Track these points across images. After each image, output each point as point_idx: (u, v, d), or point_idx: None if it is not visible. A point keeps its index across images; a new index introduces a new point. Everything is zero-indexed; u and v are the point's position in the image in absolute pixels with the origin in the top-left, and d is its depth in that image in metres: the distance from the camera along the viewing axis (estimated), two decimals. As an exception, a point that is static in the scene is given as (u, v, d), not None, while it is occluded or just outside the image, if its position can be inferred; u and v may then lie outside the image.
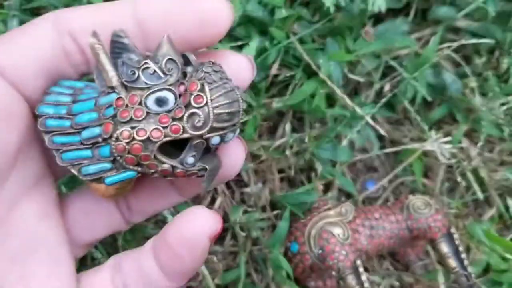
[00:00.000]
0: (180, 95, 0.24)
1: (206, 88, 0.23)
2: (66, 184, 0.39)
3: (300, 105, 0.46)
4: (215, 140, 0.24)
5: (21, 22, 0.42)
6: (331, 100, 0.50)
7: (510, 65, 0.52)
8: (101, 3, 0.26)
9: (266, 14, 0.47)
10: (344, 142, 0.45)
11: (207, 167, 0.24)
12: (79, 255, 0.29)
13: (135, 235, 0.42)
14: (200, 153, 0.24)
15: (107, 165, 0.25)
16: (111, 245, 0.42)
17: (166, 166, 0.24)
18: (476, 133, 0.53)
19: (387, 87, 0.47)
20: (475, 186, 0.49)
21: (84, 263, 0.41)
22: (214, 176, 0.26)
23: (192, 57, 0.25)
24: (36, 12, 0.45)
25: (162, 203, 0.30)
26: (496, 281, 0.48)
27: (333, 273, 0.42)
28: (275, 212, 0.47)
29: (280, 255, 0.42)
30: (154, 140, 0.23)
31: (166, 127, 0.23)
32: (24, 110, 0.25)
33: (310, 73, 0.48)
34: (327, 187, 0.50)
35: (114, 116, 0.24)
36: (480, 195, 0.49)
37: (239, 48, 0.46)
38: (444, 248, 0.45)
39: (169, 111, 0.23)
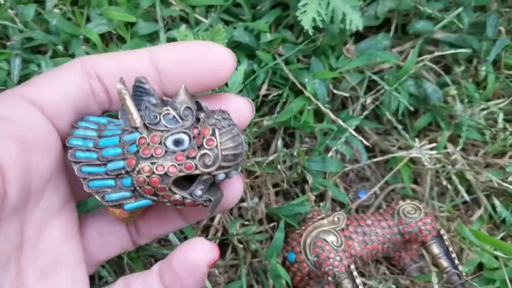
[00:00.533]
0: (193, 137, 0.28)
1: (217, 133, 0.27)
2: (79, 206, 0.42)
3: (289, 121, 0.49)
4: (221, 176, 0.28)
5: (24, 61, 0.45)
6: (319, 115, 0.52)
7: (487, 73, 0.55)
8: (121, 51, 0.31)
9: (253, 39, 0.50)
10: (331, 154, 0.48)
11: (212, 198, 0.29)
12: (90, 273, 0.32)
13: (140, 254, 0.45)
14: (207, 186, 0.29)
15: (128, 194, 0.29)
16: (117, 263, 0.44)
17: (177, 196, 0.28)
18: (458, 139, 0.55)
19: (368, 101, 0.50)
20: (461, 189, 0.51)
21: (92, 281, 0.43)
22: (217, 205, 0.30)
23: (204, 104, 0.29)
24: (36, 50, 0.48)
25: (168, 227, 0.35)
26: (489, 279, 0.49)
27: (329, 278, 0.44)
28: (272, 224, 0.49)
29: (278, 265, 0.44)
30: (170, 174, 0.28)
31: (181, 164, 0.28)
32: (57, 141, 0.29)
33: (297, 91, 0.51)
34: (321, 197, 0.53)
35: (137, 152, 0.28)
36: (466, 197, 0.51)
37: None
38: (435, 249, 0.47)
39: (183, 150, 0.28)
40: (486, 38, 0.56)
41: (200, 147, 0.28)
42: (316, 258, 0.44)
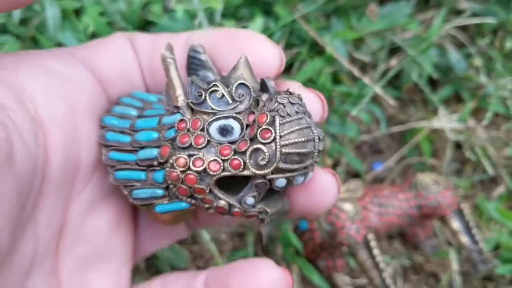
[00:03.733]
0: (247, 126, 0.21)
1: (277, 121, 0.20)
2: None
3: (306, 84, 0.46)
4: (280, 182, 0.21)
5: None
6: (336, 80, 0.49)
7: (514, 44, 0.52)
8: (159, 34, 0.26)
9: (270, -6, 0.47)
10: (355, 112, 0.44)
11: (268, 210, 0.22)
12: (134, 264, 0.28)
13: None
14: (263, 193, 0.22)
15: (159, 192, 0.22)
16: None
17: (222, 203, 0.22)
18: (481, 113, 0.53)
19: (393, 62, 0.47)
20: (485, 162, 0.48)
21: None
22: (278, 220, 0.23)
23: (270, 84, 0.22)
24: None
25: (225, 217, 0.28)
26: (506, 259, 0.47)
27: (344, 248, 0.41)
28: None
29: (290, 232, 0.41)
30: (211, 173, 0.21)
31: (227, 160, 0.21)
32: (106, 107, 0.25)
33: (315, 53, 0.48)
34: (335, 167, 0.50)
35: (174, 139, 0.22)
36: (490, 171, 0.49)
37: (243, 27, 0.46)
38: (455, 224, 0.45)
39: (232, 142, 0.21)
40: (514, 9, 0.53)
41: (254, 139, 0.20)
42: (330, 227, 0.42)
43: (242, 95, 0.21)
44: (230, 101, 0.21)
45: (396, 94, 0.52)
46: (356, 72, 0.43)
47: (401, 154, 0.51)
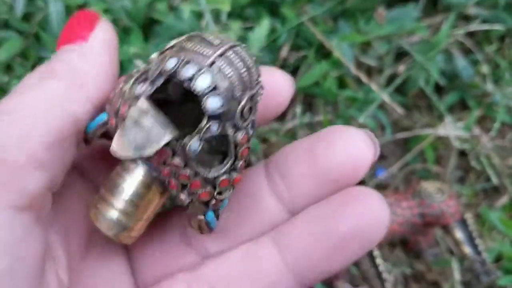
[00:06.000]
0: None
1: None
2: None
3: (312, 87, 0.46)
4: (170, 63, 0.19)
5: None
6: (341, 84, 0.49)
7: (522, 52, 0.52)
8: None
9: (277, -5, 0.46)
10: (362, 120, 0.44)
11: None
12: None
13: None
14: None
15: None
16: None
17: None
18: (486, 121, 0.52)
19: (401, 68, 0.46)
20: (490, 171, 0.48)
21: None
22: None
23: None
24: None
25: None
26: (508, 270, 0.46)
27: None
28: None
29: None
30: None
31: None
32: None
33: (321, 56, 0.47)
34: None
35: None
36: (495, 181, 0.48)
37: (250, 29, 0.46)
38: (458, 234, 0.44)
39: None
40: (523, 16, 0.52)
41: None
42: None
43: None
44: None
45: (402, 100, 0.51)
46: (363, 78, 0.43)
47: (405, 160, 0.51)
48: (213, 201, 0.21)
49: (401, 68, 0.46)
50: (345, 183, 0.22)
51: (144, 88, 0.19)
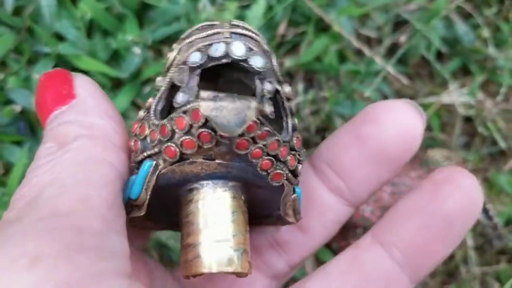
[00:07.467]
0: None
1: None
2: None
3: (312, 63, 0.45)
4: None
5: None
6: (342, 58, 0.48)
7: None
8: None
9: (272, -30, 0.45)
10: (368, 94, 0.43)
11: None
12: None
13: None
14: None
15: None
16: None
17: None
18: (489, 85, 0.52)
19: (402, 39, 0.46)
20: (497, 136, 0.48)
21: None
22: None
23: None
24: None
25: None
26: (519, 233, 0.47)
27: (358, 230, 0.41)
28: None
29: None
30: None
31: None
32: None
33: (319, 31, 0.46)
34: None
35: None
36: (502, 145, 0.48)
37: (246, 7, 0.45)
38: (468, 200, 0.44)
39: None
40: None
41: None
42: (344, 209, 0.41)
43: None
44: None
45: (403, 69, 0.51)
46: (366, 50, 0.42)
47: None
48: (300, 167, 0.21)
49: (402, 38, 0.45)
50: (402, 160, 0.22)
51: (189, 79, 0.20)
